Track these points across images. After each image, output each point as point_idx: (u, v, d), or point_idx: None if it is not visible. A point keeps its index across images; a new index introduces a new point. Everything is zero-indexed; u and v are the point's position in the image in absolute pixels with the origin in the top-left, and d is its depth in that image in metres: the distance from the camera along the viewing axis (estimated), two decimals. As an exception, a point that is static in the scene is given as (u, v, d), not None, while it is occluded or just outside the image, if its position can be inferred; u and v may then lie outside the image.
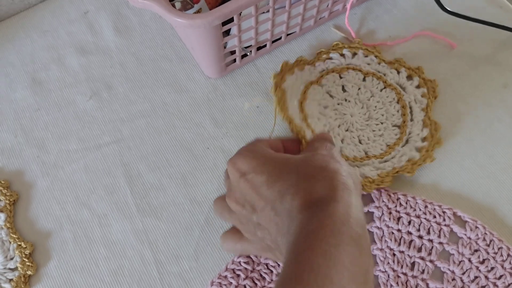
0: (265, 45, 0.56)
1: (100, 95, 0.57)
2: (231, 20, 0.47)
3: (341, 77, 0.55)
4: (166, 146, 0.53)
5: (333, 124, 0.53)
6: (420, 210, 0.47)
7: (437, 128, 0.52)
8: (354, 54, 0.57)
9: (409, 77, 0.56)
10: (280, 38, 0.57)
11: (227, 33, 0.51)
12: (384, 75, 0.56)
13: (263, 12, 0.50)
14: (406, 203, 0.48)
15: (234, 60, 0.56)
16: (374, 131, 0.53)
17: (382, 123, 0.53)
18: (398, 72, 0.56)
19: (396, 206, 0.48)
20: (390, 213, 0.47)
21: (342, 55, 0.57)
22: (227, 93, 0.56)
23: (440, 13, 0.57)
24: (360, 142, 0.52)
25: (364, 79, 0.55)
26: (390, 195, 0.48)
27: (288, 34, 0.57)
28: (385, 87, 0.55)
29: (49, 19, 0.62)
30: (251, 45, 0.54)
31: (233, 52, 0.54)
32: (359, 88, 0.55)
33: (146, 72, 0.58)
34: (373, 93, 0.54)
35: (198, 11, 0.51)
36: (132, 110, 0.56)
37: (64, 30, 0.61)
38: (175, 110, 0.55)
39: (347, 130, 0.53)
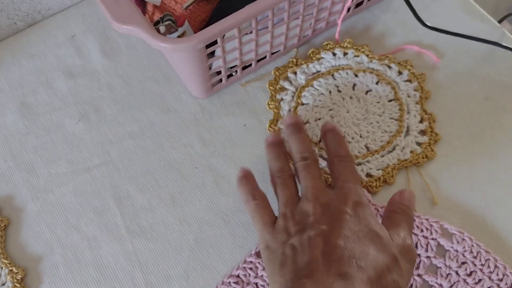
0: (251, 65, 0.57)
1: (89, 117, 0.57)
2: (215, 42, 0.48)
3: (334, 78, 0.57)
4: (154, 167, 0.54)
5: None
6: (406, 224, 0.48)
7: (434, 119, 0.54)
8: (345, 53, 0.59)
9: (399, 72, 0.57)
10: (265, 57, 0.58)
11: (212, 54, 0.52)
12: (377, 71, 0.57)
13: (247, 33, 0.50)
14: (393, 217, 0.48)
15: (220, 80, 0.56)
16: (371, 123, 0.54)
17: (380, 116, 0.55)
18: (389, 67, 0.58)
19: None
20: (377, 227, 0.48)
21: (334, 54, 0.59)
22: (214, 112, 0.57)
23: (422, 28, 0.58)
24: (360, 136, 0.53)
25: (356, 76, 0.57)
26: (378, 210, 0.49)
27: (272, 53, 0.58)
28: (379, 81, 0.56)
29: (37, 43, 0.63)
30: (236, 65, 0.55)
31: (219, 73, 0.55)
32: (354, 85, 0.57)
33: (133, 93, 0.58)
34: (369, 87, 0.56)
35: (183, 34, 0.51)
36: (120, 131, 0.56)
37: (51, 53, 0.62)
38: (163, 131, 0.56)
39: (345, 126, 0.54)
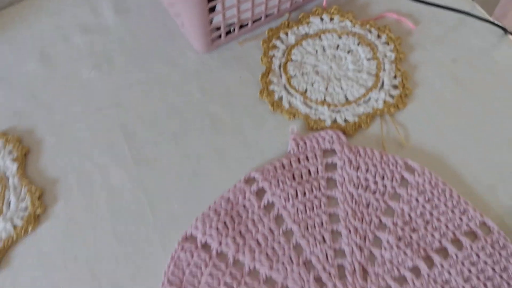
0: (247, 24, 0.64)
1: (101, 66, 0.64)
2: (216, -2, 0.56)
3: (321, 39, 0.65)
4: (159, 110, 0.61)
5: (315, 78, 0.62)
6: (376, 160, 0.55)
7: (406, 76, 0.62)
8: (331, 19, 0.66)
9: (378, 36, 0.65)
10: (260, 18, 0.65)
11: (213, 10, 0.59)
12: (358, 34, 0.65)
13: (244, -8, 0.58)
14: (365, 154, 0.55)
15: (220, 36, 0.64)
16: (351, 78, 0.62)
17: (359, 72, 0.62)
18: (370, 32, 0.65)
19: (356, 157, 0.55)
20: (350, 163, 0.55)
21: (322, 19, 0.66)
22: (213, 66, 0.64)
23: (401, -2, 0.66)
24: (341, 88, 0.61)
25: (340, 38, 0.65)
26: (351, 148, 0.56)
27: (267, 16, 0.65)
28: (360, 43, 0.64)
29: (56, 3, 0.70)
30: (234, 22, 0.62)
31: (218, 29, 0.62)
32: (338, 45, 0.64)
33: (142, 47, 0.66)
34: (351, 48, 0.64)
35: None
36: (130, 78, 0.63)
37: (69, 12, 0.69)
38: (168, 80, 0.63)
39: (328, 80, 0.62)
